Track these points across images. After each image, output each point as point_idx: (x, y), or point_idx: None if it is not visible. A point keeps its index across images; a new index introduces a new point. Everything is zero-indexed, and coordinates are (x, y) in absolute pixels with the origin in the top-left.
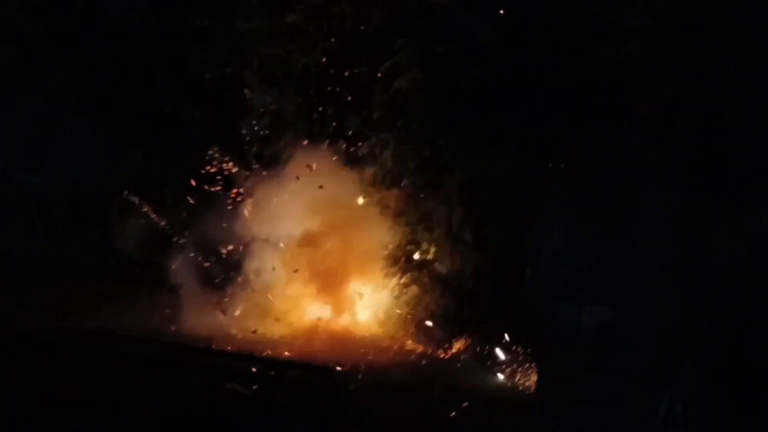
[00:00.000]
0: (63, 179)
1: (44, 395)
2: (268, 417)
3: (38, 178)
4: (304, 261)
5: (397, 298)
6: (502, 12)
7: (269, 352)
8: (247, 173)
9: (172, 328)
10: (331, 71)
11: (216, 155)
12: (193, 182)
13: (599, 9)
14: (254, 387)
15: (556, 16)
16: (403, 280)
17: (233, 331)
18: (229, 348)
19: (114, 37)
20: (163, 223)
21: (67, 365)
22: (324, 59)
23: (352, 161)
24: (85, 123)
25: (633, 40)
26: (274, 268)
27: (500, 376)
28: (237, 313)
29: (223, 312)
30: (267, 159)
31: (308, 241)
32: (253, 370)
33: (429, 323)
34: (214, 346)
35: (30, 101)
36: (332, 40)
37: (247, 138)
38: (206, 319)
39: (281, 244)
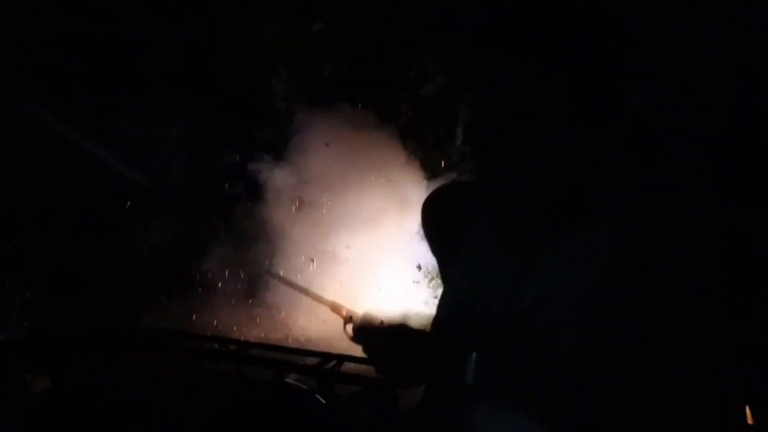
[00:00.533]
0: (165, 179)
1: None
2: (328, 410)
3: (143, 178)
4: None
5: None
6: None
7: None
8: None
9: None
10: (357, 78)
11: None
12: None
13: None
14: (313, 380)
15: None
16: None
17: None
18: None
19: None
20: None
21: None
22: (351, 66)
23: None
24: (186, 126)
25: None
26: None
27: None
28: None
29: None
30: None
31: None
32: (312, 363)
33: None
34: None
35: (136, 103)
36: (358, 46)
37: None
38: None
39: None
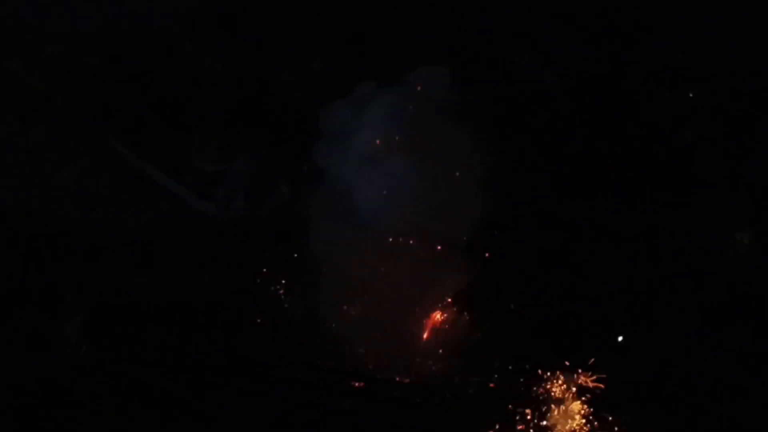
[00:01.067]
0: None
1: None
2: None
3: (210, 207)
4: None
5: None
6: None
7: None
8: None
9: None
10: None
11: None
12: None
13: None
14: (359, 402)
15: None
16: None
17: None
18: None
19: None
20: None
21: None
22: None
23: None
24: (248, 158)
25: None
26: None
27: None
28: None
29: None
30: None
31: None
32: (357, 385)
33: None
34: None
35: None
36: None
37: None
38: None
39: None
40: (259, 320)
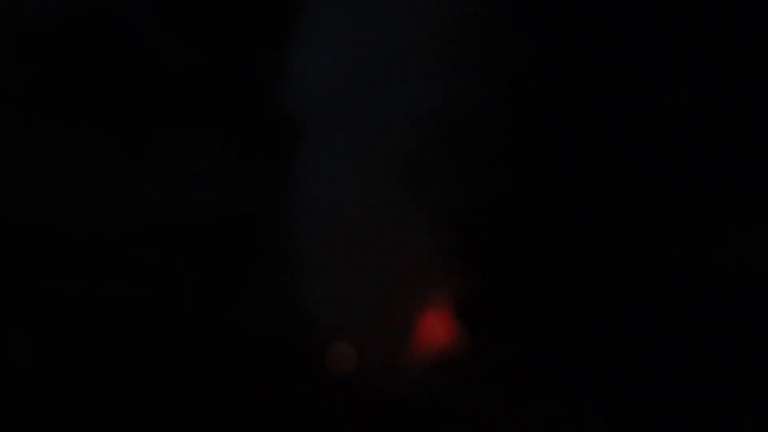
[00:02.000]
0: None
1: None
2: None
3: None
4: None
5: None
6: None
7: None
8: None
9: None
10: None
11: None
12: None
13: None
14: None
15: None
16: None
17: None
18: None
19: None
20: None
21: None
22: None
23: None
24: (234, 156)
25: None
26: None
27: None
28: None
29: None
30: None
31: None
32: (352, 387)
33: None
34: None
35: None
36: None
37: None
38: None
39: None
40: (250, 322)
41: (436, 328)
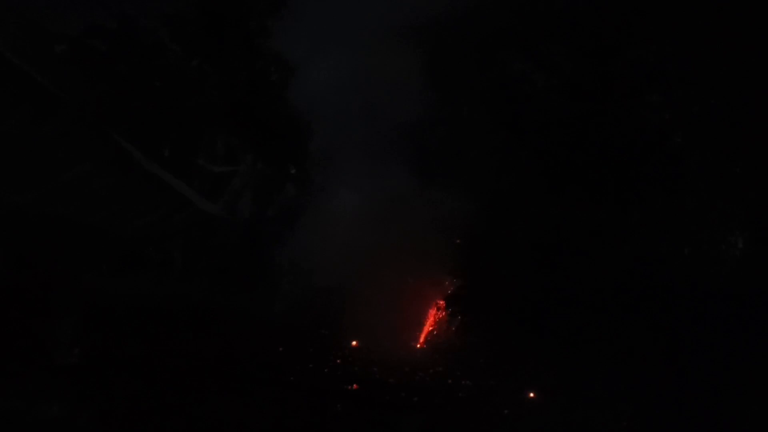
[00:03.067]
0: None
1: None
2: None
3: (217, 208)
4: None
5: None
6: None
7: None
8: None
9: None
10: None
11: None
12: None
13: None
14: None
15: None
16: None
17: None
18: None
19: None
20: None
21: None
22: None
23: None
24: (255, 158)
25: None
26: None
27: None
28: None
29: None
30: None
31: None
32: (351, 388)
33: None
34: None
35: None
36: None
37: None
38: None
39: None
40: (252, 322)
41: (439, 322)
